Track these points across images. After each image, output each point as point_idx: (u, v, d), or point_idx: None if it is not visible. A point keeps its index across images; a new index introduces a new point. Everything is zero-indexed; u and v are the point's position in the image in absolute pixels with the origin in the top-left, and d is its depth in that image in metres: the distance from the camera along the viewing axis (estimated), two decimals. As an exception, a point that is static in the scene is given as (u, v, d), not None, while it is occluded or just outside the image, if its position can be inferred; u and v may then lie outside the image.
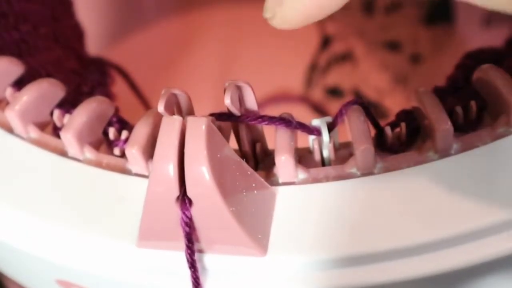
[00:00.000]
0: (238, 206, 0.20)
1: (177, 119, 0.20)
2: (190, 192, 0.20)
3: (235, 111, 0.22)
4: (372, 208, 0.22)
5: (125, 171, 0.24)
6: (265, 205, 0.22)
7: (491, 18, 0.50)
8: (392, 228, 0.21)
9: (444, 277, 0.21)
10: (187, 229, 0.21)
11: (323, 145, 0.23)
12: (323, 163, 0.24)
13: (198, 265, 0.22)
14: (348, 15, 0.56)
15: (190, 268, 0.21)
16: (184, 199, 0.20)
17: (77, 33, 0.38)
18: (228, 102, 0.22)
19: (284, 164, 0.22)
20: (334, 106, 0.51)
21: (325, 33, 0.55)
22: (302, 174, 0.23)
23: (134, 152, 0.23)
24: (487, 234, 0.21)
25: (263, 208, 0.22)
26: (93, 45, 0.44)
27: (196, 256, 0.21)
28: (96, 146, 0.25)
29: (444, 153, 0.23)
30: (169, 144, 0.20)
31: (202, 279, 0.22)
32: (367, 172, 0.23)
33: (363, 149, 0.22)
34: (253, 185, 0.22)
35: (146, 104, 0.44)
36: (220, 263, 0.22)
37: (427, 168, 0.22)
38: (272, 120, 0.23)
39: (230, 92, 0.22)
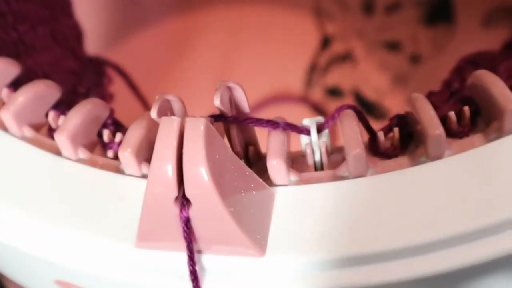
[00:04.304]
0: (236, 207, 0.20)
1: (175, 119, 0.20)
2: (188, 193, 0.20)
3: (225, 112, 0.22)
4: (371, 209, 0.22)
5: (119, 173, 0.24)
6: (264, 206, 0.22)
7: (491, 18, 0.50)
8: (391, 229, 0.21)
9: (443, 277, 0.21)
10: (186, 229, 0.21)
11: (313, 144, 0.23)
12: (316, 167, 0.24)
13: (197, 265, 0.22)
14: (348, 15, 0.56)
15: (189, 268, 0.21)
16: (182, 200, 0.20)
17: (76, 32, 0.38)
18: (217, 103, 0.22)
19: (275, 168, 0.22)
20: (334, 106, 0.51)
21: (325, 33, 0.55)
22: (294, 178, 0.23)
23: (126, 155, 0.23)
24: (485, 235, 0.21)
25: (261, 209, 0.22)
26: (93, 46, 0.44)
27: (196, 256, 0.21)
28: (91, 148, 0.25)
29: (437, 159, 0.23)
30: (168, 145, 0.20)
31: (201, 280, 0.22)
32: (359, 177, 0.23)
33: (355, 154, 0.22)
34: (252, 185, 0.22)
35: (145, 104, 0.44)
36: (219, 263, 0.22)
37: (424, 169, 0.22)
38: (258, 121, 0.23)
39: (220, 93, 0.22)
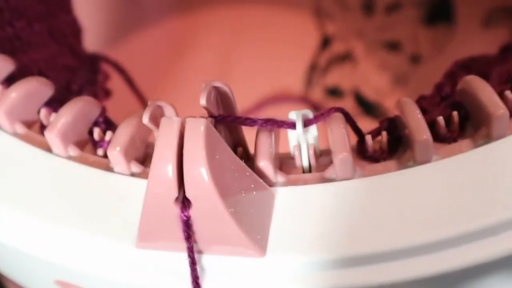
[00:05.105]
0: (237, 207, 0.20)
1: (176, 120, 0.20)
2: (189, 193, 0.20)
3: (212, 112, 0.22)
4: (372, 209, 0.22)
5: (109, 171, 0.24)
6: (264, 206, 0.22)
7: (491, 18, 0.50)
8: (390, 229, 0.21)
9: (442, 278, 0.21)
10: (186, 230, 0.21)
11: (299, 137, 0.23)
12: (304, 169, 0.24)
13: (197, 265, 0.22)
14: (348, 15, 0.56)
15: (190, 268, 0.21)
16: (183, 200, 0.20)
17: (74, 29, 0.38)
18: (203, 103, 0.22)
19: (262, 170, 0.22)
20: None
21: (325, 33, 0.55)
22: (281, 180, 0.23)
23: (115, 154, 0.23)
24: (482, 236, 0.21)
25: (262, 209, 0.22)
26: (93, 45, 0.44)
27: (196, 256, 0.21)
28: (81, 146, 0.25)
29: (424, 164, 0.23)
30: (168, 145, 0.20)
31: (201, 280, 0.22)
32: (346, 179, 0.23)
33: (341, 157, 0.22)
34: (252, 186, 0.22)
35: (143, 101, 0.44)
36: (219, 264, 0.22)
37: (410, 173, 0.23)
38: (237, 119, 0.23)
39: (206, 93, 0.22)
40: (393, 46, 0.54)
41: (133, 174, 0.24)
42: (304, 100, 0.52)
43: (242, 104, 0.49)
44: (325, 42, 0.55)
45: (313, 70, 0.54)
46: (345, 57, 0.54)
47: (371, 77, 0.53)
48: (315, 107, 0.52)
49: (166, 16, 0.58)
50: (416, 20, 0.54)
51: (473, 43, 0.50)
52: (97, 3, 0.53)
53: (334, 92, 0.53)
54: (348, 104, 0.51)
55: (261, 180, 0.22)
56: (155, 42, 0.57)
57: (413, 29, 0.54)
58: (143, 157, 0.25)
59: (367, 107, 0.51)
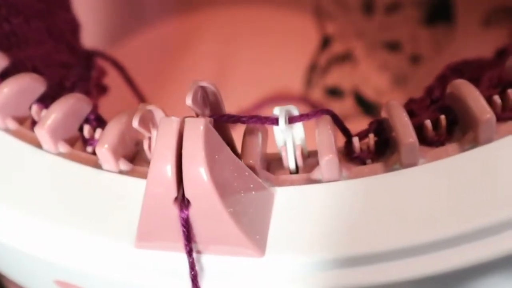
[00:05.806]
0: (236, 207, 0.20)
1: (175, 120, 0.20)
2: (188, 193, 0.20)
3: (198, 112, 0.22)
4: (372, 209, 0.22)
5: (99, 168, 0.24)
6: (263, 206, 0.22)
7: (491, 18, 0.50)
8: (390, 229, 0.21)
9: (442, 278, 0.21)
10: (185, 230, 0.21)
11: (283, 134, 0.23)
12: (291, 169, 0.24)
13: (196, 265, 0.22)
14: (348, 15, 0.56)
15: (189, 269, 0.21)
16: (182, 200, 0.20)
17: (72, 26, 0.38)
18: (189, 103, 0.22)
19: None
20: (334, 106, 0.51)
21: (325, 33, 0.55)
22: (268, 180, 0.23)
23: (103, 151, 0.23)
24: (479, 237, 0.21)
25: (261, 209, 0.22)
26: (92, 45, 0.44)
27: (195, 257, 0.21)
28: (71, 143, 0.25)
29: (410, 167, 0.23)
30: (167, 145, 0.20)
31: (200, 280, 0.22)
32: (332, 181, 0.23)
33: (327, 159, 0.22)
34: (251, 186, 0.22)
35: (141, 98, 0.44)
36: (218, 264, 0.22)
37: (396, 176, 0.23)
38: (221, 117, 0.23)
39: (192, 93, 0.22)
40: (393, 46, 0.54)
41: (121, 172, 0.24)
42: (304, 100, 0.52)
43: (241, 104, 0.50)
44: (325, 42, 0.55)
45: (313, 70, 0.54)
46: (345, 57, 0.54)
47: (371, 77, 0.53)
48: (315, 107, 0.52)
49: (166, 17, 0.58)
50: (416, 20, 0.54)
51: (473, 43, 0.50)
52: (97, 3, 0.53)
53: (334, 92, 0.53)
54: (348, 104, 0.51)
55: (260, 180, 0.22)
56: (155, 42, 0.57)
57: (413, 29, 0.54)
58: (133, 155, 0.25)
59: (367, 107, 0.51)
